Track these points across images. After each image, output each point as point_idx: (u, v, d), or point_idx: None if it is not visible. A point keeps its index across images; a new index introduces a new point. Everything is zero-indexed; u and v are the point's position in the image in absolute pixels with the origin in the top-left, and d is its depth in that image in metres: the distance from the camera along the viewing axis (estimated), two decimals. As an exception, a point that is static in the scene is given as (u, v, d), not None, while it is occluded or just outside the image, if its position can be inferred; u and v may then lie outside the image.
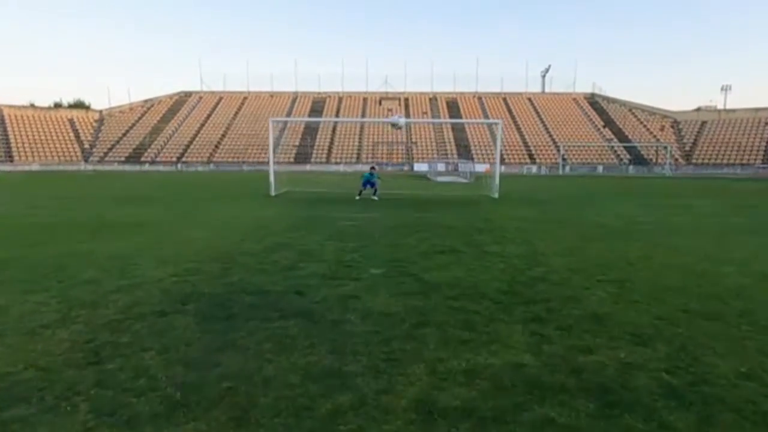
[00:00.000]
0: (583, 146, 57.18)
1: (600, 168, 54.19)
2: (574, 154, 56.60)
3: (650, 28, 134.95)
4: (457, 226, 10.72)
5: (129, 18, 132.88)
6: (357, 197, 17.44)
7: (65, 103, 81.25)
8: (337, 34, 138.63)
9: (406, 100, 69.99)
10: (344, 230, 10.05)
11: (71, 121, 61.49)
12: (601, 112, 65.85)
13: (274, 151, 20.03)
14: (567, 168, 53.03)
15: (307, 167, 53.80)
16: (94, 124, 63.03)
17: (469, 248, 8.23)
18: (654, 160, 55.42)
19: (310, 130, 61.92)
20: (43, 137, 57.33)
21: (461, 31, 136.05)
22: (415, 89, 71.16)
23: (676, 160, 54.67)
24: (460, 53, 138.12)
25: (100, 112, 65.92)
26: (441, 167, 42.43)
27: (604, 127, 62.03)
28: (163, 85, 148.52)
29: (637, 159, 55.62)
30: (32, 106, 64.80)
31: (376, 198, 17.34)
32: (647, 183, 32.27)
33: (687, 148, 57.50)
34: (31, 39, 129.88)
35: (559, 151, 53.09)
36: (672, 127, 61.35)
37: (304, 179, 25.91)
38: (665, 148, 55.86)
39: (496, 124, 17.82)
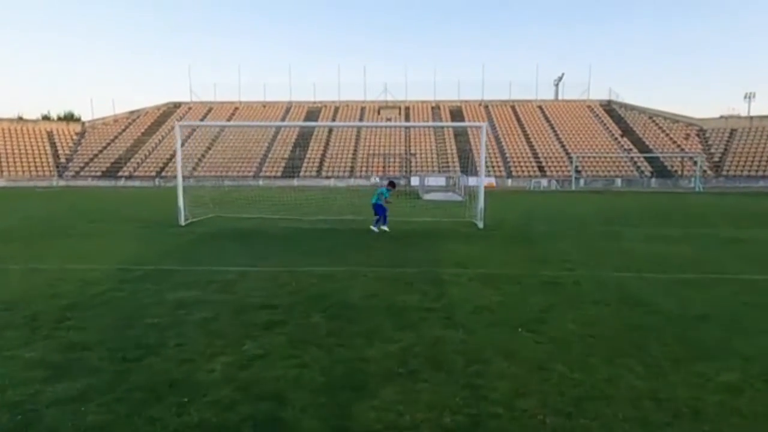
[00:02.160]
0: (599, 157, 51.84)
1: (618, 181, 48.74)
2: (588, 166, 51.28)
3: (669, 30, 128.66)
4: (367, 310, 5.82)
5: (121, 27, 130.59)
6: (374, 228, 12.76)
7: (54, 115, 78.33)
8: (333, 40, 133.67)
9: (407, 108, 65.41)
10: (134, 324, 5.22)
11: (50, 134, 58.01)
12: (618, 120, 60.47)
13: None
14: (581, 182, 47.71)
15: (294, 182, 49.30)
16: (75, 137, 59.49)
17: (313, 415, 3.32)
18: (679, 173, 49.84)
19: (302, 141, 57.57)
20: (16, 151, 53.81)
21: (466, 35, 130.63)
22: (417, 97, 66.52)
23: (704, 172, 49.02)
24: (464, 59, 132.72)
25: (82, 124, 62.50)
26: (430, 181, 37.61)
27: (621, 136, 56.65)
28: (154, 96, 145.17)
29: (660, 171, 50.09)
30: (19, 119, 61.50)
31: (375, 230, 12.66)
32: (678, 201, 26.95)
33: (716, 159, 51.83)
34: (24, 50, 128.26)
35: (572, 162, 47.87)
36: (698, 135, 55.74)
37: (265, 198, 21.16)
38: (692, 158, 50.26)
39: (478, 127, 12.96)
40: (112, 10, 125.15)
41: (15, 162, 52.47)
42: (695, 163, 50.09)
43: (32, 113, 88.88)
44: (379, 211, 12.78)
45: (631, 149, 53.78)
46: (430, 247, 10.20)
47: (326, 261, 8.68)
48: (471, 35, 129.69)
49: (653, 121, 58.99)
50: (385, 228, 12.68)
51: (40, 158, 54.02)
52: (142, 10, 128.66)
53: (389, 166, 52.22)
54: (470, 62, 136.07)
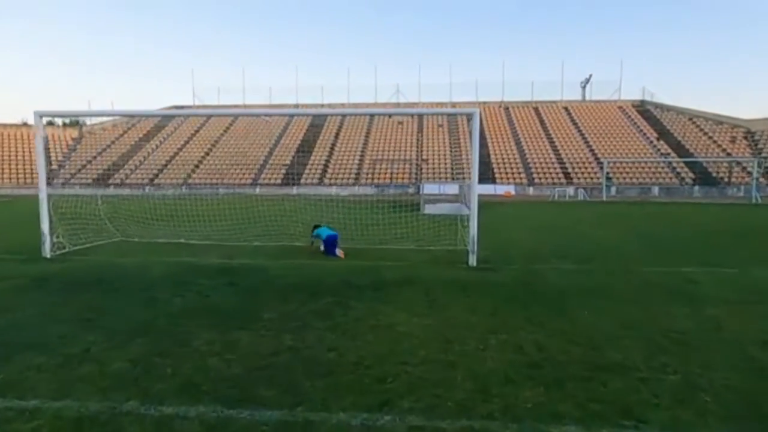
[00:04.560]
0: (633, 162, 46.29)
1: (655, 190, 43.15)
2: (620, 173, 45.80)
3: (708, 23, 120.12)
4: None
5: (125, 29, 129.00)
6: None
7: (59, 121, 76.40)
8: (343, 40, 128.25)
9: (421, 111, 60.79)
10: None
11: (44, 140, 55.25)
12: (653, 121, 54.71)
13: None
14: (612, 190, 42.31)
15: (294, 190, 45.18)
16: (70, 143, 56.82)
17: None
18: (726, 180, 43.93)
19: (306, 146, 53.57)
20: (5, 157, 51.18)
21: (484, 33, 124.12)
22: (431, 99, 61.94)
23: (756, 179, 43.07)
24: (483, 58, 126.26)
25: (80, 128, 59.91)
26: (443, 190, 33.02)
27: (657, 139, 50.91)
28: (156, 100, 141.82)
29: (705, 178, 44.25)
30: (24, 124, 59.15)
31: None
32: (743, 215, 21.68)
33: (768, 165, 45.66)
34: (30, 54, 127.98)
35: (602, 169, 42.54)
36: (745, 138, 49.63)
37: (217, 212, 16.52)
38: (739, 164, 44.35)
39: (470, 114, 8.40)
40: (116, 12, 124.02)
41: (2, 168, 49.80)
42: (743, 168, 44.25)
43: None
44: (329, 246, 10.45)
45: (668, 154, 48.07)
46: (356, 327, 5.58)
47: (98, 382, 4.21)
48: (489, 32, 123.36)
49: (693, 122, 53.11)
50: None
51: (30, 164, 51.25)
52: (147, 12, 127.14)
53: (396, 173, 47.73)
54: (489, 61, 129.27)
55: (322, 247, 10.53)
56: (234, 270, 8.64)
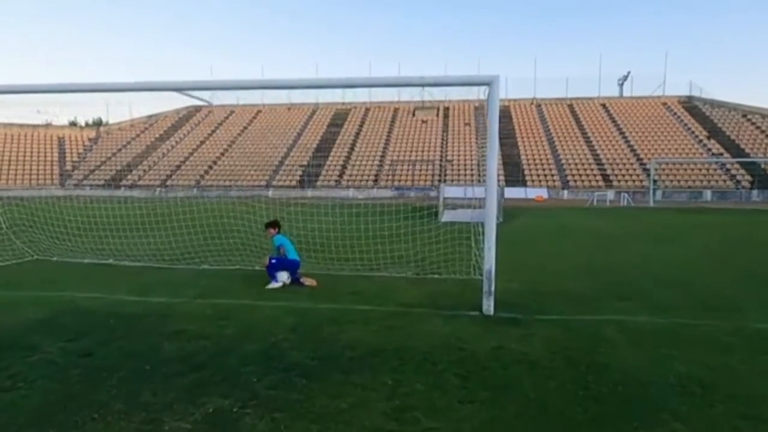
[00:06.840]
0: (681, 164, 41.87)
1: (707, 194, 38.70)
2: (667, 175, 41.46)
3: (759, 8, 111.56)
4: None
5: (142, 28, 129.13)
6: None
7: (82, 121, 76.17)
8: (364, 36, 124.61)
9: (446, 109, 57.50)
10: None
11: (60, 140, 54.48)
12: (702, 119, 49.88)
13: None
14: (658, 194, 38.01)
15: (308, 193, 42.59)
16: (87, 144, 55.77)
17: None
18: (789, 183, 39.12)
19: (324, 148, 50.97)
20: (20, 158, 50.34)
21: (514, 26, 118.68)
22: (458, 97, 58.37)
23: (825, 182, 38.18)
24: (513, 52, 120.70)
25: (98, 129, 58.95)
26: (468, 193, 29.64)
27: (708, 138, 46.21)
28: (175, 99, 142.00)
29: (763, 180, 39.50)
30: (47, 125, 58.54)
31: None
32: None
33: (837, 166, 40.57)
34: (52, 54, 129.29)
35: (648, 173, 38.35)
36: (810, 136, 44.48)
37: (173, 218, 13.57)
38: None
39: (488, 82, 5.18)
40: (133, 11, 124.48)
41: (17, 169, 48.89)
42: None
43: (61, 119, 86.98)
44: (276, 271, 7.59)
45: (721, 154, 43.40)
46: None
47: None
48: (519, 26, 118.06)
49: (748, 119, 48.11)
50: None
51: (45, 166, 50.28)
52: (165, 11, 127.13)
53: (419, 175, 44.52)
54: (519, 56, 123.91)
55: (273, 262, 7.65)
56: (123, 320, 5.73)
